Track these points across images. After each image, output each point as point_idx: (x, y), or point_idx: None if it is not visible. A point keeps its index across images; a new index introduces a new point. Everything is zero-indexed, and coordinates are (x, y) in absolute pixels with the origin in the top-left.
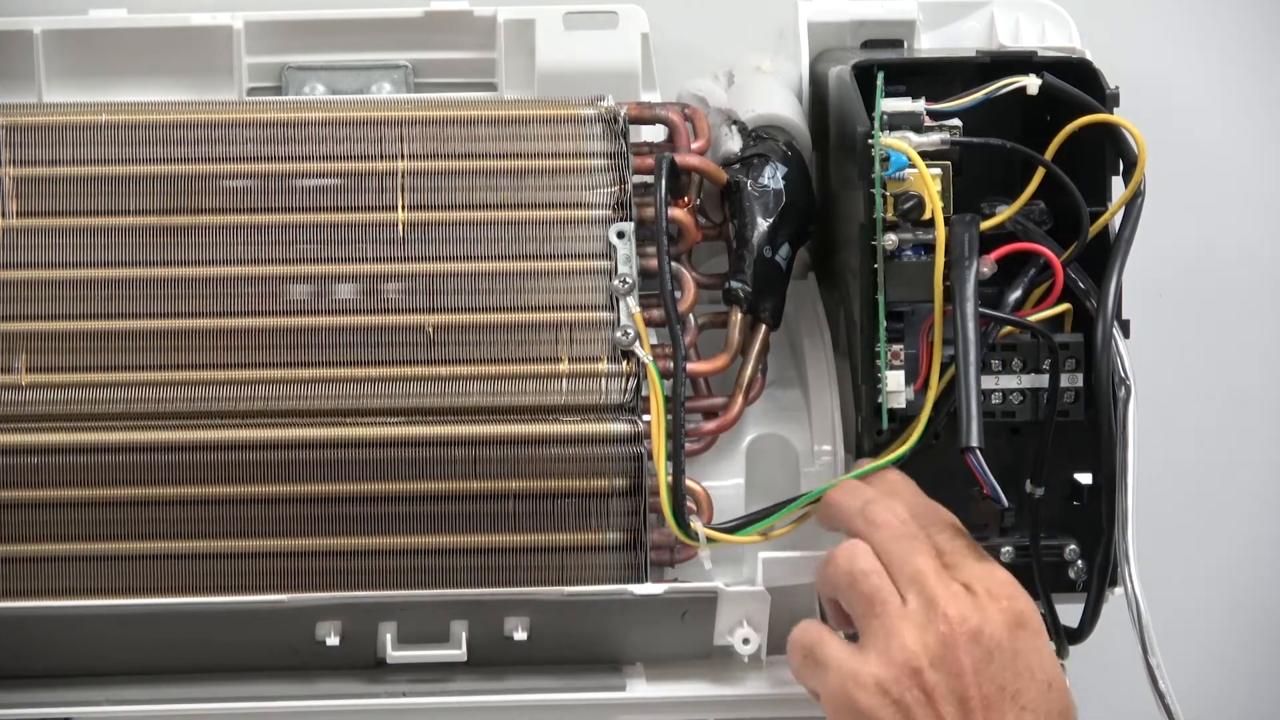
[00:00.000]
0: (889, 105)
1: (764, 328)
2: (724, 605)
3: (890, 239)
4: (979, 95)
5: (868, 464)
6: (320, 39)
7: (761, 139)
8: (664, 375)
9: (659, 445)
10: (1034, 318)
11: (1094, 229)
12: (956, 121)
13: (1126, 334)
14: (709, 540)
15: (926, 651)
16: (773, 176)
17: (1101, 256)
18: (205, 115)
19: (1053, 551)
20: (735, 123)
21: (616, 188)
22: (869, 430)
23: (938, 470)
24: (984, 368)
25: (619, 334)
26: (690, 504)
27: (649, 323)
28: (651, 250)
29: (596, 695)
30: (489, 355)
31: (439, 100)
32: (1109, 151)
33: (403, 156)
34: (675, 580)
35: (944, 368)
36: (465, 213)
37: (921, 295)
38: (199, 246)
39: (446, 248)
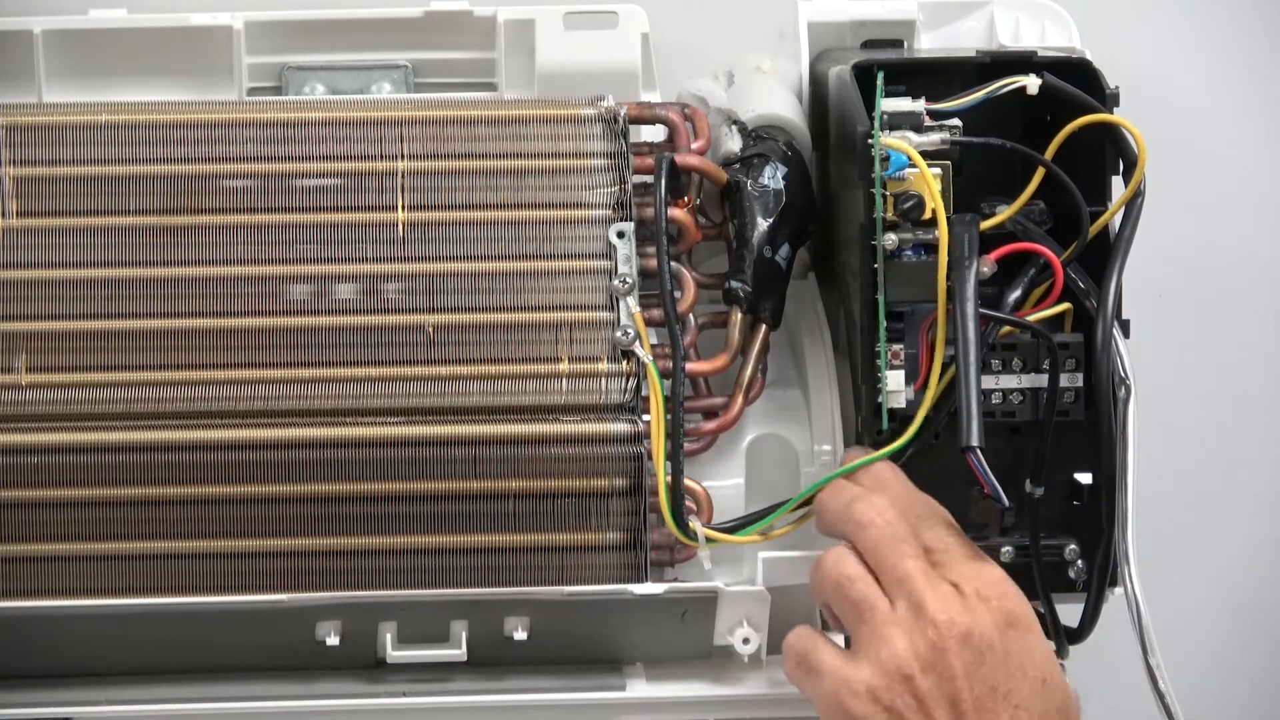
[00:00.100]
0: (889, 105)
1: (764, 328)
2: (724, 605)
3: (890, 239)
4: (979, 95)
5: (856, 458)
6: (320, 39)
7: (761, 139)
8: (664, 375)
9: (659, 445)
10: (1034, 318)
11: (1094, 229)
12: (956, 121)
13: (1126, 334)
14: (708, 540)
15: (917, 657)
16: (773, 176)
17: (1101, 256)
18: (205, 115)
19: (1053, 551)
20: (735, 123)
21: (616, 188)
22: (869, 430)
23: (938, 470)
24: (984, 367)
25: (619, 334)
26: (690, 504)
27: (649, 323)
28: (651, 250)
29: (596, 695)
30: (489, 355)
31: (439, 100)
32: (1109, 151)
33: (403, 156)
34: (675, 580)
35: (944, 367)
36: (465, 213)
37: (921, 295)
38: (199, 246)
39: (446, 248)
